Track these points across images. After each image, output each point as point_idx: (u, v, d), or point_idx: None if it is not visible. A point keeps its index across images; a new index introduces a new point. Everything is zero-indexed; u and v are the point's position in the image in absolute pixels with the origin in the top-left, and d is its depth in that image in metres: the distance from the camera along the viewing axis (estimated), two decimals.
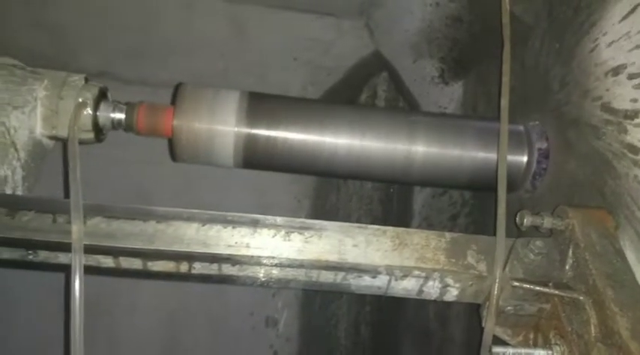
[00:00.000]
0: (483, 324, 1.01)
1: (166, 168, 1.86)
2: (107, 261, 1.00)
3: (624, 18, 1.05)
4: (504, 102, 1.19)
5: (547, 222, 1.04)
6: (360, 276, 1.04)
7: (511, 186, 1.32)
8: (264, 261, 1.02)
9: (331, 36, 2.15)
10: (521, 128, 1.37)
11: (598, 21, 1.11)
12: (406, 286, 1.05)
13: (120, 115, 1.27)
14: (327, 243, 1.02)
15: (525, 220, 1.05)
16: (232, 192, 2.31)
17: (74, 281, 0.93)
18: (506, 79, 1.22)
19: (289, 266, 1.02)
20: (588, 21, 1.15)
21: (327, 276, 1.04)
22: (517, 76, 1.37)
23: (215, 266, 1.01)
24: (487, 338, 0.99)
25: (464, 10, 1.72)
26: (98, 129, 1.27)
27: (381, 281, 1.04)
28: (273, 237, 1.02)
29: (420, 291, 1.06)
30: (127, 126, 1.28)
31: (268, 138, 1.29)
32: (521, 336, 1.07)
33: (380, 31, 2.13)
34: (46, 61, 1.47)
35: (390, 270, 1.02)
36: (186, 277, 1.03)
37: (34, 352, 2.31)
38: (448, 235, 1.06)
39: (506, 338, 1.07)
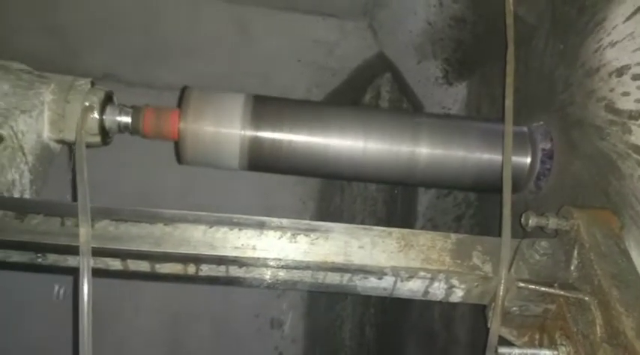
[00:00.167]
0: (489, 325, 1.02)
1: (171, 170, 1.87)
2: (115, 264, 1.01)
3: (628, 18, 1.05)
4: (509, 103, 1.19)
5: (552, 222, 1.04)
6: (366, 278, 1.04)
7: (515, 187, 1.32)
8: (271, 263, 1.02)
9: (335, 37, 2.16)
10: (524, 129, 1.37)
11: (602, 21, 1.12)
12: (412, 287, 1.05)
13: (126, 119, 1.28)
14: (333, 245, 1.03)
15: (530, 221, 1.05)
16: (237, 194, 2.32)
17: (82, 284, 0.94)
18: (510, 80, 1.22)
19: (295, 267, 1.03)
20: (592, 21, 1.15)
21: (333, 278, 1.04)
22: (521, 77, 1.38)
23: (222, 268, 1.02)
24: (493, 338, 0.99)
25: (467, 11, 1.72)
26: (105, 133, 1.28)
27: (387, 283, 1.05)
28: (280, 238, 1.03)
29: (426, 292, 1.06)
30: (134, 130, 1.29)
31: (273, 140, 1.29)
32: (526, 337, 1.07)
33: (384, 32, 2.14)
34: (50, 64, 1.48)
35: (395, 271, 1.03)
36: (194, 279, 1.04)
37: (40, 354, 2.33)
38: (453, 236, 1.07)
39: (511, 338, 1.08)
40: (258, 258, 1.01)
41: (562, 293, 0.97)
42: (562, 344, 0.96)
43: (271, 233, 1.03)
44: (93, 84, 1.28)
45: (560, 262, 1.03)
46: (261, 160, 1.32)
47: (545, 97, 1.34)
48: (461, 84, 1.96)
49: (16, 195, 1.18)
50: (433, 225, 2.11)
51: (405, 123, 1.36)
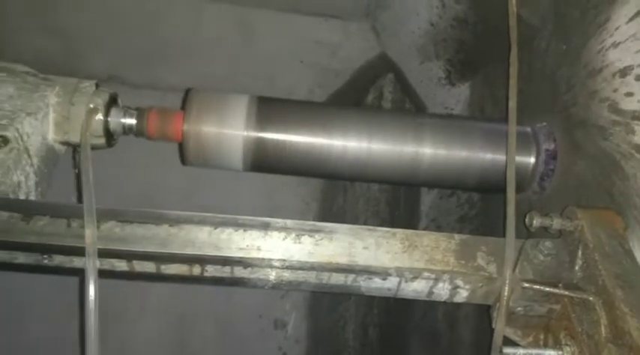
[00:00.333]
0: (493, 325, 1.02)
1: (174, 170, 1.87)
2: (121, 265, 1.02)
3: (631, 19, 1.05)
4: (512, 103, 1.20)
5: (556, 223, 1.04)
6: (370, 278, 1.04)
7: (518, 187, 1.32)
8: (275, 264, 1.02)
9: (338, 38, 2.16)
10: (528, 129, 1.37)
11: (605, 22, 1.12)
12: (416, 288, 1.06)
13: (130, 121, 1.29)
14: (337, 246, 1.03)
15: (535, 221, 1.05)
16: (240, 195, 2.33)
17: (88, 285, 0.95)
18: (513, 82, 1.22)
19: (300, 268, 1.03)
20: (595, 22, 1.15)
21: (337, 278, 1.05)
22: (524, 78, 1.38)
23: (227, 268, 1.03)
24: (498, 339, 0.99)
25: (470, 12, 1.72)
26: (109, 135, 1.29)
27: (391, 283, 1.05)
28: (284, 239, 1.03)
29: (430, 293, 1.07)
30: (138, 132, 1.30)
31: (277, 141, 1.30)
32: (531, 337, 1.07)
33: (386, 33, 2.14)
34: (54, 66, 1.49)
35: (400, 272, 1.03)
36: (199, 280, 1.04)
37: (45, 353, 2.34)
38: (457, 237, 1.07)
39: (516, 338, 1.08)
40: (263, 259, 1.02)
41: (566, 293, 0.97)
42: (567, 344, 0.96)
43: (276, 234, 1.03)
44: (97, 86, 1.29)
45: (564, 262, 1.03)
46: (265, 161, 1.32)
47: (548, 98, 1.34)
48: (463, 84, 1.97)
49: (22, 196, 1.19)
50: (436, 226, 2.11)
51: (408, 123, 1.36)
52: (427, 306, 2.11)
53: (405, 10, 1.98)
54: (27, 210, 1.02)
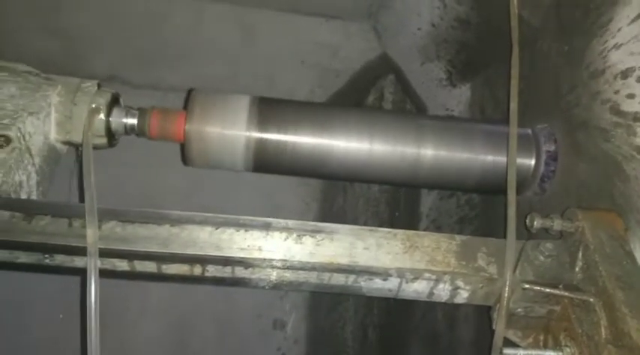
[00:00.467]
0: (494, 326, 1.02)
1: (175, 170, 1.87)
2: (122, 265, 1.02)
3: (633, 21, 1.05)
4: (513, 105, 1.20)
5: (557, 224, 1.05)
6: (371, 279, 1.05)
7: (519, 189, 1.33)
8: (277, 264, 1.03)
9: (339, 39, 2.16)
10: (529, 131, 1.37)
11: (607, 24, 1.12)
12: (417, 288, 1.06)
13: (132, 121, 1.29)
14: (338, 246, 1.03)
15: (535, 222, 1.06)
16: (240, 195, 2.33)
17: (90, 285, 0.95)
18: (515, 83, 1.22)
19: (301, 268, 1.03)
20: (597, 23, 1.15)
21: (338, 279, 1.05)
22: (525, 79, 1.38)
23: (228, 268, 1.03)
24: (498, 340, 0.99)
25: (471, 13, 1.72)
26: (111, 135, 1.29)
27: (392, 284, 1.05)
28: (285, 240, 1.03)
29: (431, 294, 1.07)
30: (140, 132, 1.30)
31: (278, 142, 1.30)
32: (531, 338, 1.08)
33: (387, 33, 2.15)
34: (55, 66, 1.49)
35: (401, 273, 1.03)
36: (200, 280, 1.04)
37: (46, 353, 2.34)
38: (458, 238, 1.07)
39: (516, 339, 1.08)
40: (264, 259, 1.02)
41: (567, 294, 0.97)
42: (567, 346, 0.96)
43: (277, 234, 1.03)
44: (99, 86, 1.29)
45: (564, 264, 1.03)
46: (267, 162, 1.32)
47: (549, 99, 1.35)
48: (464, 85, 1.97)
49: (23, 196, 1.19)
50: (436, 227, 2.11)
51: (409, 124, 1.37)
52: (427, 307, 2.11)
53: (407, 11, 1.98)
54: (28, 209, 1.02)
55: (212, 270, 1.03)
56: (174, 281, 1.06)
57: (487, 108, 1.81)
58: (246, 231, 1.03)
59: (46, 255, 1.01)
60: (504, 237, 1.04)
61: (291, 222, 1.05)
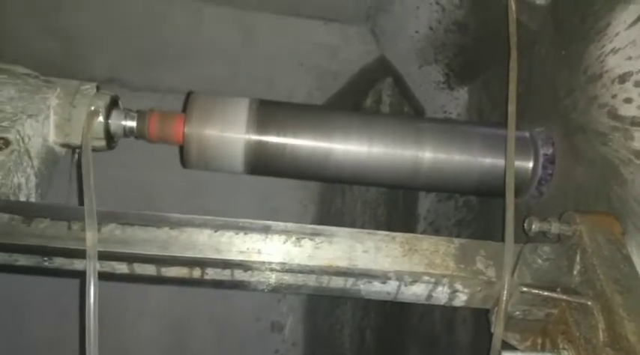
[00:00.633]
0: (492, 329, 1.03)
1: (173, 173, 1.87)
2: (121, 267, 1.02)
3: (631, 26, 1.06)
4: (511, 108, 1.20)
5: (555, 227, 1.05)
6: (370, 282, 1.05)
7: (517, 192, 1.33)
8: (276, 267, 1.03)
9: (337, 42, 2.17)
10: (526, 134, 1.38)
11: (605, 28, 1.13)
12: (415, 291, 1.06)
13: (131, 123, 1.29)
14: (337, 249, 1.04)
15: (533, 226, 1.06)
16: (238, 198, 2.33)
17: (89, 288, 0.95)
18: (513, 86, 1.23)
19: (300, 271, 1.04)
20: (595, 28, 1.16)
21: (337, 282, 1.05)
22: (523, 83, 1.39)
23: (227, 271, 1.03)
24: (496, 343, 1.00)
25: (470, 16, 1.73)
26: (110, 137, 1.29)
27: (390, 287, 1.05)
28: (284, 243, 1.04)
29: (429, 297, 1.07)
30: (139, 134, 1.30)
31: (277, 145, 1.30)
32: (529, 341, 1.08)
33: (385, 36, 2.15)
34: (54, 67, 1.49)
35: (399, 276, 1.04)
36: (199, 283, 1.04)
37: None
38: (457, 241, 1.07)
39: (514, 342, 1.08)
40: (263, 262, 1.02)
41: (564, 297, 0.97)
42: (564, 349, 0.97)
43: (276, 237, 1.04)
44: (98, 88, 1.29)
45: (562, 267, 1.04)
46: (265, 164, 1.33)
47: (547, 103, 1.35)
48: (462, 89, 1.98)
49: (22, 198, 1.19)
50: (434, 229, 2.11)
51: (408, 127, 1.37)
52: (425, 310, 2.12)
53: (405, 14, 1.98)
54: (28, 212, 1.02)
55: (211, 273, 1.03)
56: (174, 284, 1.06)
57: (485, 112, 1.82)
58: (245, 233, 1.03)
59: (46, 258, 1.01)
60: (502, 239, 1.04)
61: (290, 225, 1.05)
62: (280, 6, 2.07)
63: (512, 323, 1.05)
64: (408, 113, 2.25)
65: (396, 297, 1.07)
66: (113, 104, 1.29)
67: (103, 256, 0.98)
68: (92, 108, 1.24)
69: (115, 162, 1.72)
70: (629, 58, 1.06)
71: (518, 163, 1.33)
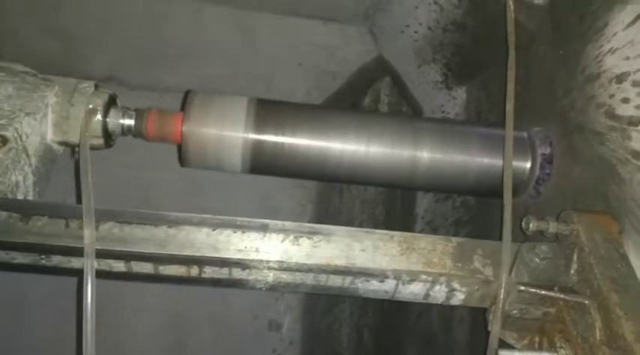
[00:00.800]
0: (489, 328, 1.03)
1: (171, 172, 1.88)
2: (119, 266, 1.02)
3: (628, 26, 1.06)
4: (509, 108, 1.21)
5: (552, 226, 1.05)
6: (367, 281, 1.05)
7: (515, 191, 1.33)
8: (274, 265, 1.03)
9: (336, 41, 2.17)
10: (524, 134, 1.38)
11: (602, 28, 1.13)
12: (413, 290, 1.06)
13: (129, 121, 1.29)
14: (335, 248, 1.04)
15: (531, 225, 1.06)
16: (236, 197, 2.33)
17: (86, 285, 0.95)
18: (511, 86, 1.23)
19: (298, 270, 1.04)
20: (592, 28, 1.16)
21: (335, 280, 1.05)
22: (521, 82, 1.39)
23: (225, 270, 1.03)
24: (493, 341, 1.00)
25: (468, 16, 1.73)
26: (108, 135, 1.29)
27: (388, 286, 1.06)
28: (282, 241, 1.04)
29: (427, 295, 1.07)
30: (137, 132, 1.30)
31: (276, 144, 1.30)
32: (526, 340, 1.08)
33: (384, 36, 2.15)
34: (52, 65, 1.49)
35: (397, 275, 1.04)
36: (197, 281, 1.04)
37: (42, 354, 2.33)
38: (454, 240, 1.08)
39: (512, 341, 1.09)
40: (261, 261, 1.02)
41: (562, 296, 0.98)
42: (562, 347, 0.97)
43: (274, 235, 1.04)
44: (97, 86, 1.29)
45: (560, 266, 1.04)
46: (264, 163, 1.33)
47: (545, 103, 1.35)
48: (460, 88, 1.98)
49: (20, 196, 1.19)
50: (432, 229, 2.12)
51: (406, 127, 1.37)
52: (422, 309, 2.12)
53: (403, 14, 1.99)
54: (25, 210, 1.02)
55: (209, 271, 1.03)
56: (171, 283, 1.06)
57: (483, 111, 1.82)
58: (243, 232, 1.03)
59: (43, 256, 1.01)
60: (500, 239, 1.04)
61: (288, 224, 1.06)
62: (280, 6, 2.07)
63: (509, 322, 1.05)
64: (406, 113, 2.25)
65: (393, 296, 1.08)
66: (111, 102, 1.29)
67: (101, 254, 0.98)
68: (90, 106, 1.24)
69: (113, 160, 1.72)
70: (627, 58, 1.06)
71: (516, 163, 1.33)
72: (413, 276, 1.04)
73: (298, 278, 1.05)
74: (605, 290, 0.92)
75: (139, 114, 1.30)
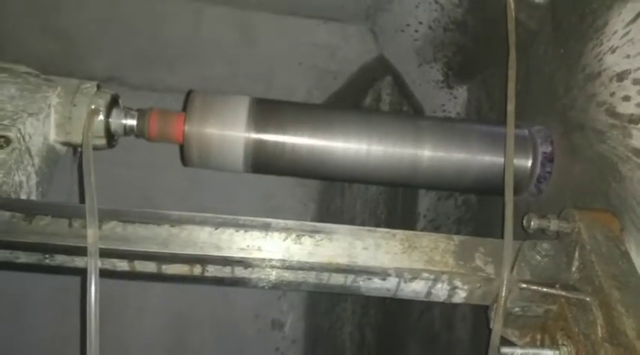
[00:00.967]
0: (491, 326, 1.03)
1: (173, 171, 1.88)
2: (122, 265, 1.02)
3: (629, 24, 1.06)
4: (510, 106, 1.21)
5: (554, 224, 1.06)
6: (369, 279, 1.05)
7: (516, 190, 1.33)
8: (276, 264, 1.03)
9: (336, 41, 2.18)
10: (525, 132, 1.38)
11: (603, 27, 1.13)
12: (415, 288, 1.07)
13: (131, 122, 1.30)
14: (337, 246, 1.04)
15: (532, 223, 1.07)
16: (238, 196, 2.34)
17: (90, 285, 0.95)
18: (512, 85, 1.24)
19: (300, 268, 1.04)
20: (593, 27, 1.17)
21: (337, 279, 1.06)
22: (522, 81, 1.39)
23: (228, 268, 1.03)
24: (495, 339, 1.00)
25: (469, 15, 1.74)
26: (110, 136, 1.29)
27: (390, 284, 1.06)
28: (285, 240, 1.04)
29: (429, 293, 1.08)
30: (139, 133, 1.30)
31: (277, 143, 1.31)
32: (528, 337, 1.09)
33: (384, 35, 2.16)
34: (53, 66, 1.50)
35: (399, 273, 1.04)
36: (200, 280, 1.05)
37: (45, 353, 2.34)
38: (456, 238, 1.08)
39: (513, 339, 1.09)
40: (264, 259, 1.03)
41: (563, 293, 0.98)
42: (563, 345, 0.97)
43: (276, 234, 1.04)
44: (99, 87, 1.29)
45: (561, 263, 1.04)
46: (266, 163, 1.33)
47: (546, 101, 1.36)
48: (461, 87, 1.98)
49: (23, 196, 1.20)
50: (434, 227, 2.12)
51: (407, 126, 1.38)
52: (424, 307, 2.12)
53: (404, 13, 1.99)
54: (29, 209, 1.02)
55: (212, 270, 1.04)
56: (174, 282, 1.07)
57: (484, 110, 1.82)
58: (245, 231, 1.04)
59: (47, 255, 1.01)
60: (502, 237, 1.05)
61: (290, 223, 1.06)
62: (280, 5, 2.07)
63: (511, 320, 1.06)
64: (407, 112, 2.25)
65: (395, 294, 1.08)
66: (113, 103, 1.30)
67: (104, 253, 0.99)
68: (93, 106, 1.24)
69: (116, 160, 1.72)
70: (627, 56, 1.06)
71: (517, 161, 1.33)
72: (415, 274, 1.04)
73: (300, 276, 1.05)
74: (606, 287, 0.92)
75: (141, 114, 1.31)
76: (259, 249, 1.03)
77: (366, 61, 2.25)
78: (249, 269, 1.04)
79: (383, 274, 1.04)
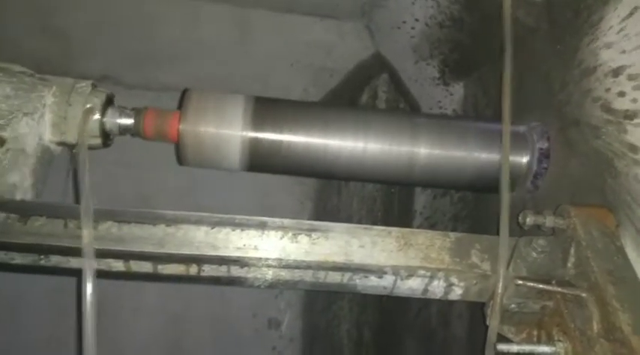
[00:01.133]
0: (487, 322, 1.03)
1: (169, 170, 1.88)
2: (118, 265, 1.02)
3: (624, 19, 1.06)
4: (506, 103, 1.21)
5: (549, 220, 1.06)
6: (366, 277, 1.05)
7: (512, 186, 1.34)
8: (272, 263, 1.03)
9: (333, 38, 2.18)
10: (522, 128, 1.38)
11: (598, 22, 1.13)
12: (411, 285, 1.07)
13: (127, 121, 1.29)
14: (333, 245, 1.04)
15: (528, 219, 1.07)
16: (235, 195, 2.34)
17: (85, 285, 0.95)
18: (507, 81, 1.23)
19: (297, 267, 1.04)
20: (588, 22, 1.16)
21: (334, 277, 1.06)
22: (518, 77, 1.39)
23: (224, 268, 1.03)
24: (492, 335, 1.00)
25: (465, 12, 1.73)
26: (105, 135, 1.28)
27: (387, 281, 1.06)
28: (281, 238, 1.04)
29: (425, 291, 1.08)
30: (135, 132, 1.29)
31: (273, 141, 1.30)
32: (524, 333, 1.09)
33: (381, 33, 2.16)
34: (48, 65, 1.49)
35: (395, 270, 1.04)
36: (196, 280, 1.05)
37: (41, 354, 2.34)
38: (452, 235, 1.08)
39: (510, 335, 1.09)
40: (260, 258, 1.03)
41: (559, 290, 0.98)
42: (559, 340, 0.97)
43: (273, 233, 1.04)
44: (94, 86, 1.28)
45: (557, 259, 1.04)
46: (262, 161, 1.32)
47: (542, 97, 1.36)
48: (458, 84, 1.98)
49: (18, 197, 1.19)
50: (430, 224, 2.12)
51: (403, 123, 1.37)
52: (421, 305, 2.12)
53: (400, 10, 1.99)
54: (24, 210, 1.02)
55: (208, 270, 1.04)
56: (171, 281, 1.07)
57: (480, 107, 1.82)
58: (242, 230, 1.03)
59: (42, 256, 1.01)
60: (497, 234, 1.05)
61: (286, 221, 1.06)
62: (276, 3, 2.07)
63: (507, 316, 1.06)
64: (403, 109, 2.25)
65: (392, 292, 1.08)
66: (109, 102, 1.29)
67: (100, 254, 0.98)
68: (88, 106, 1.23)
69: (112, 160, 1.72)
70: (623, 52, 1.06)
71: (513, 158, 1.33)
72: (411, 272, 1.04)
73: (297, 275, 1.05)
74: (602, 282, 0.92)
75: (137, 113, 1.30)
76: (256, 248, 1.03)
77: (363, 58, 2.25)
78: (246, 268, 1.04)
79: (379, 272, 1.04)
